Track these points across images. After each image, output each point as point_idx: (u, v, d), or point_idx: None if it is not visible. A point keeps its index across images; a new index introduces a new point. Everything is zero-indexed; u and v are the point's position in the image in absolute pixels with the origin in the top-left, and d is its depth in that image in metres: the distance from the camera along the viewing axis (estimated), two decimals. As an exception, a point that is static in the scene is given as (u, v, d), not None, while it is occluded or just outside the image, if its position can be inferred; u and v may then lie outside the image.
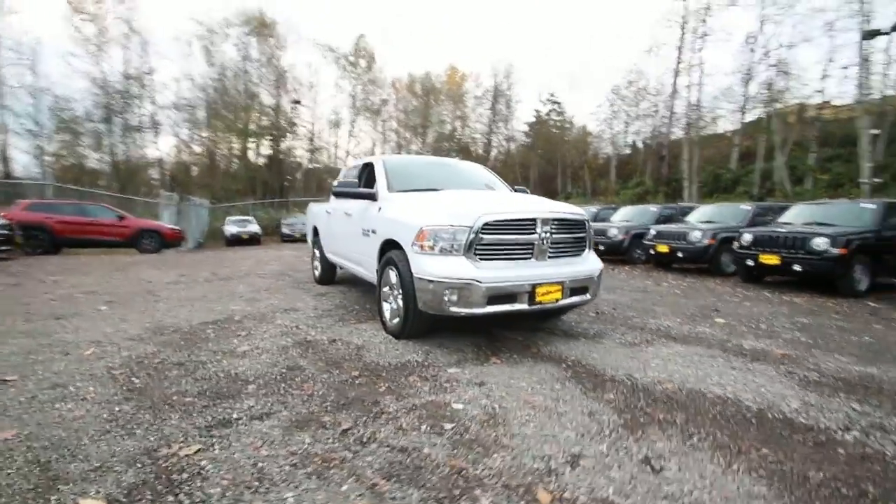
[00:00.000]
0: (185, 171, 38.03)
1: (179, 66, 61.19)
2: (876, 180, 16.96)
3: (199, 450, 1.96)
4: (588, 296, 3.79)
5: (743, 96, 27.30)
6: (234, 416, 2.30)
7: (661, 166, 31.21)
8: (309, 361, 3.16)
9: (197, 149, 38.52)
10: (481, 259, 3.31)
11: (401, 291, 3.57)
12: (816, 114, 24.55)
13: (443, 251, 3.31)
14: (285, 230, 21.52)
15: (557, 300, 3.51)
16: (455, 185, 4.59)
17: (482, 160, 50.53)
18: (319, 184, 39.56)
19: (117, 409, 2.35)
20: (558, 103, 45.86)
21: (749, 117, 28.46)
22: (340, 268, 6.01)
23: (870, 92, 19.09)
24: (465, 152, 50.93)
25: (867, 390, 2.87)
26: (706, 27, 28.91)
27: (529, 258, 3.46)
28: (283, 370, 2.98)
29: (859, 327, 4.65)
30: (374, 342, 3.62)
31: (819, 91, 24.05)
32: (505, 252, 3.39)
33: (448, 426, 2.23)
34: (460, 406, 2.49)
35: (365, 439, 2.09)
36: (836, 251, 6.30)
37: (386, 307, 3.96)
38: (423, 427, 2.21)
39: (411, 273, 3.44)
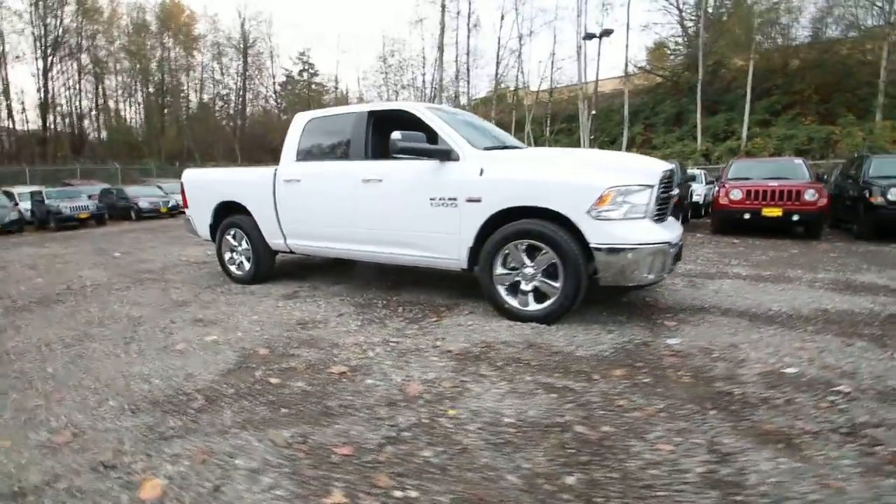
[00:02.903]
0: None
1: None
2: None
3: None
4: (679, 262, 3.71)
5: (494, 76, 32.20)
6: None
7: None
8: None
9: None
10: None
11: (563, 268, 2.98)
12: (545, 97, 31.34)
13: (627, 214, 2.92)
14: (144, 204, 17.14)
15: (675, 264, 3.52)
16: (498, 140, 4.00)
17: (232, 118, 44.04)
18: None
19: None
20: (311, 64, 43.40)
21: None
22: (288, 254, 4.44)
23: (585, 81, 25.59)
24: (205, 109, 43.04)
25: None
26: (460, 8, 32.38)
27: (665, 219, 3.39)
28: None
29: None
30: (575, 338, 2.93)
31: (545, 77, 30.71)
32: (658, 213, 3.22)
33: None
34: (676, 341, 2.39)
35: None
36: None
37: (504, 293, 3.24)
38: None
39: (587, 243, 2.92)
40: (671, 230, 3.11)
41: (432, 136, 3.55)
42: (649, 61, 31.81)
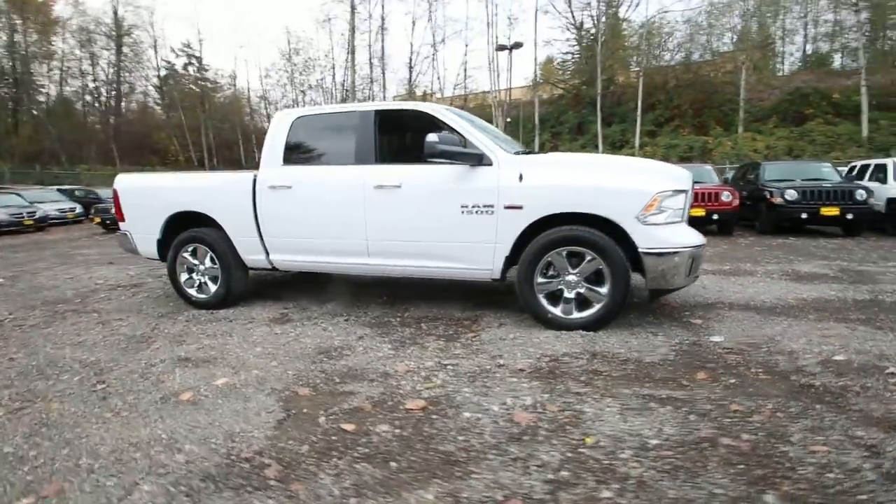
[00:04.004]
0: None
1: None
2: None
3: None
4: None
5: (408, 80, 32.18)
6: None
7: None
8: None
9: None
10: (679, 224, 3.18)
11: (611, 274, 2.94)
12: (460, 103, 32.04)
13: (668, 219, 2.98)
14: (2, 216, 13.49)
15: None
16: (511, 144, 3.89)
17: (107, 114, 38.15)
18: None
19: None
20: (198, 57, 39.31)
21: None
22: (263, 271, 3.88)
23: (498, 89, 26.70)
24: (66, 104, 36.65)
25: None
26: (371, 11, 31.84)
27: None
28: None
29: None
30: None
31: (458, 84, 31.49)
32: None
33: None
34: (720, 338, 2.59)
35: None
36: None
37: (545, 302, 3.13)
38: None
39: (635, 248, 2.92)
40: (698, 234, 3.26)
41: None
42: (542, 75, 34.29)
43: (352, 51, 32.64)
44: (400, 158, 3.29)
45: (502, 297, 4.14)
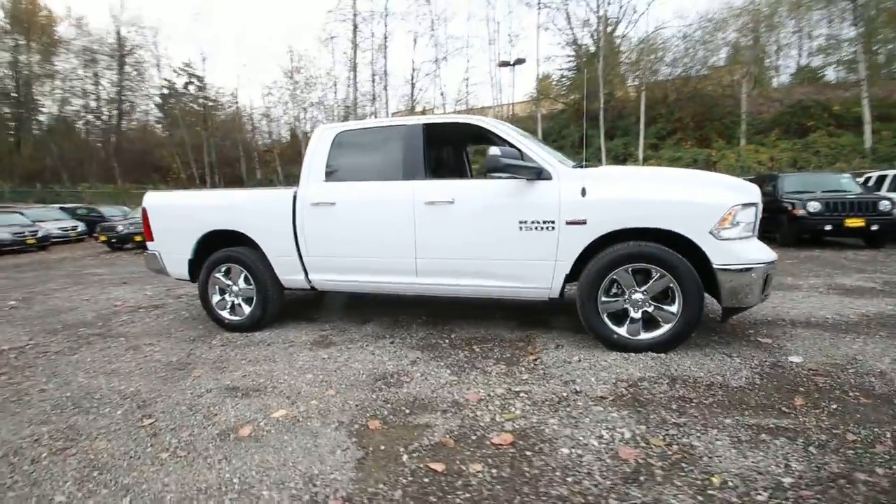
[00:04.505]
0: None
1: None
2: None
3: None
4: None
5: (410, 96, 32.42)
6: None
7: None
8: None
9: None
10: (746, 238, 3.04)
11: (682, 292, 2.79)
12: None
13: (741, 233, 2.84)
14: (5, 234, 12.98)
15: None
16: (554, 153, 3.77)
17: (108, 132, 38.10)
18: None
19: None
20: (199, 76, 39.37)
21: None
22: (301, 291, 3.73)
23: (501, 104, 26.91)
24: (66, 123, 36.51)
25: None
26: (374, 30, 32.22)
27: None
28: None
29: None
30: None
31: (460, 100, 31.78)
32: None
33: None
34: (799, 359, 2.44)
35: None
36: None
37: (610, 322, 2.97)
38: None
39: (710, 265, 2.77)
40: (770, 249, 3.11)
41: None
42: (538, 90, 34.62)
43: (354, 68, 32.97)
44: (449, 173, 3.15)
45: (547, 315, 3.97)
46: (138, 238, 12.67)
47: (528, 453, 1.91)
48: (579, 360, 2.90)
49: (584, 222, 2.93)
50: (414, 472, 1.81)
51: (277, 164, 34.81)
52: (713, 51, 29.45)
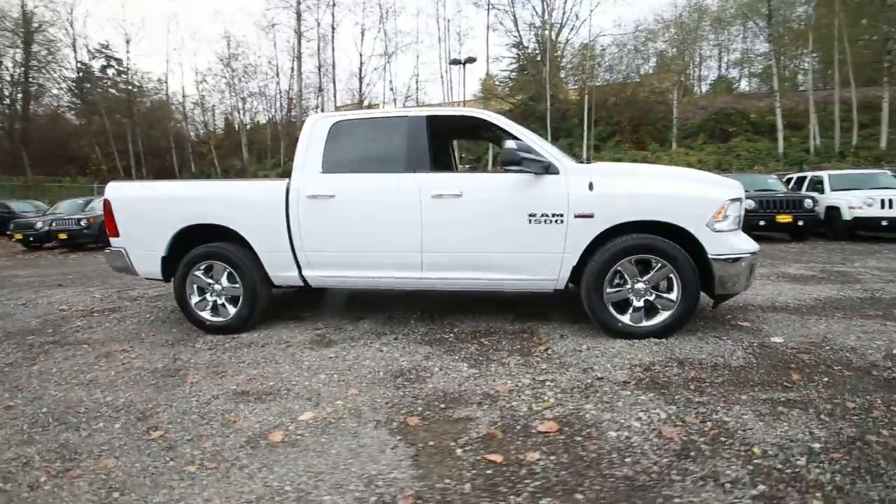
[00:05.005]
0: None
1: None
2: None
3: None
4: None
5: (358, 90, 31.72)
6: None
7: (297, 147, 31.65)
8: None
9: None
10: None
11: (682, 282, 2.98)
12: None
13: (730, 226, 3.08)
14: None
15: None
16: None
17: (13, 118, 33.76)
18: None
19: None
20: (118, 59, 35.90)
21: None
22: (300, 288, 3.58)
23: (452, 102, 27.05)
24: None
25: None
26: (320, 18, 31.14)
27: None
28: None
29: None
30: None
31: (410, 96, 31.58)
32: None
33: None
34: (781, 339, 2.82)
35: None
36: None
37: (614, 311, 3.11)
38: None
39: (705, 255, 2.98)
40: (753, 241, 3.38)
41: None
42: (483, 90, 35.25)
43: (298, 58, 31.67)
44: (447, 166, 3.14)
45: (541, 307, 4.08)
46: (62, 236, 11.41)
47: (577, 438, 1.96)
48: (588, 349, 3.01)
49: (591, 216, 3.04)
50: (474, 465, 1.80)
51: (214, 156, 32.66)
52: (645, 59, 31.67)
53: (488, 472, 1.75)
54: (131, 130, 31.47)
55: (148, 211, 3.65)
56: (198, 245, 3.64)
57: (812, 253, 7.29)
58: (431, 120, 3.36)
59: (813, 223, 8.77)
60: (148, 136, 32.85)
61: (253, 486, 1.72)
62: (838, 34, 21.00)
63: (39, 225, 11.83)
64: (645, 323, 3.12)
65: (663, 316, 3.10)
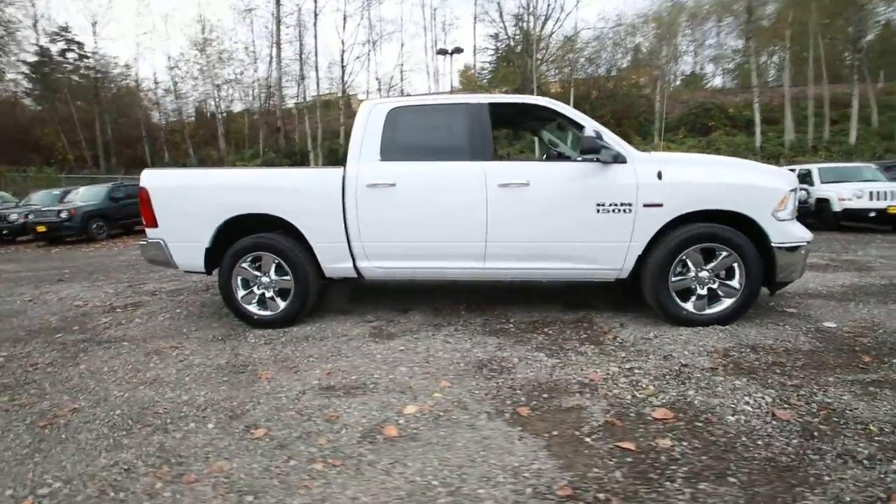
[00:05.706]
0: None
1: None
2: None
3: None
4: None
5: (341, 79, 31.00)
6: None
7: (278, 137, 30.72)
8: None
9: None
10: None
11: (745, 270, 3.05)
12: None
13: (790, 215, 3.16)
14: None
15: None
16: None
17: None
18: None
19: None
20: (80, 43, 33.68)
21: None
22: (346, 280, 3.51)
23: (439, 92, 26.81)
24: None
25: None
26: (299, 3, 30.18)
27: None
28: None
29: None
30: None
31: (395, 86, 31.15)
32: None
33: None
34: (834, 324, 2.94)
35: None
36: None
37: (678, 299, 3.16)
38: None
39: (767, 243, 3.05)
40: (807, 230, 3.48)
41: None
42: (462, 81, 35.13)
43: (277, 44, 30.65)
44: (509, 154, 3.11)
45: (585, 297, 4.11)
46: (41, 229, 10.78)
47: (698, 424, 1.98)
48: (656, 337, 3.05)
49: (660, 205, 3.07)
50: (611, 454, 1.79)
51: (189, 145, 31.40)
52: (626, 53, 32.18)
53: (628, 460, 1.75)
54: (99, 118, 29.86)
55: (192, 200, 3.47)
56: (240, 237, 3.49)
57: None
58: (493, 107, 3.30)
59: (805, 214, 9.14)
60: (117, 124, 31.26)
61: (395, 481, 1.67)
62: (812, 32, 21.86)
63: (14, 217, 11.15)
64: (708, 311, 3.18)
65: (726, 303, 3.17)
